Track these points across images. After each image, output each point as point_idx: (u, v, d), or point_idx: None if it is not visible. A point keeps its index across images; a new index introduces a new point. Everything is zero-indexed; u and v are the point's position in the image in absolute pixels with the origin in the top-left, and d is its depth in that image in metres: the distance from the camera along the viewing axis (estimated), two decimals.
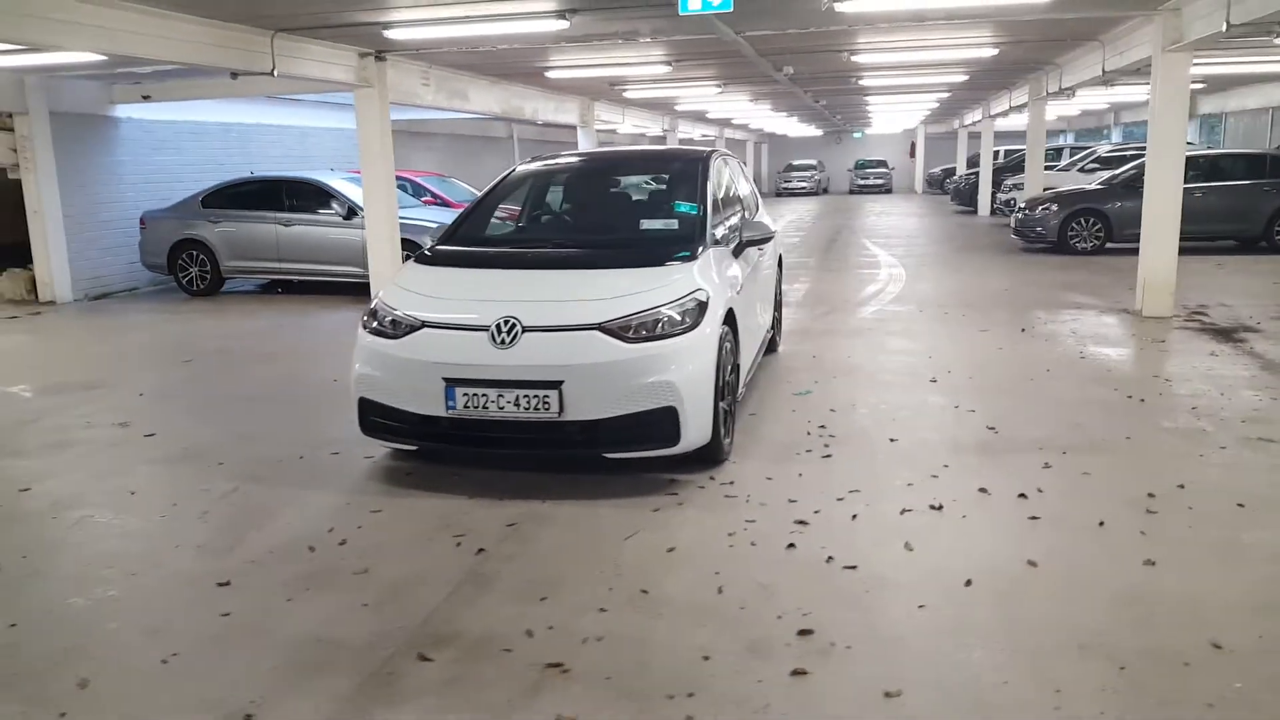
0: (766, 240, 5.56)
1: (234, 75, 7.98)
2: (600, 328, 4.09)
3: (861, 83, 15.06)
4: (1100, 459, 4.63)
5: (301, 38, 8.13)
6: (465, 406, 4.11)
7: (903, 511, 3.98)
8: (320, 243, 10.74)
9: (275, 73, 7.90)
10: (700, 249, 4.71)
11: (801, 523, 3.87)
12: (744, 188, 6.44)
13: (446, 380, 4.12)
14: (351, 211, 10.54)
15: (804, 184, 35.90)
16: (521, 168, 5.89)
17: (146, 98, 11.63)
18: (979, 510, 4.02)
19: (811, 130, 33.86)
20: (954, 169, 29.76)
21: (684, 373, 4.12)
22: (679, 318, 4.21)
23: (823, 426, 5.23)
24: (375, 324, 4.45)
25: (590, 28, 7.81)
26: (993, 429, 5.14)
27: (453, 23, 7.40)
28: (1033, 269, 11.97)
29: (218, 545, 3.86)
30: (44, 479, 4.76)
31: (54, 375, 7.23)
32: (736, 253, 5.18)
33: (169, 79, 11.21)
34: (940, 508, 4.02)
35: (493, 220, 5.59)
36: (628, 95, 15.32)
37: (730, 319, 4.62)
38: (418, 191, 13.06)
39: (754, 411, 5.55)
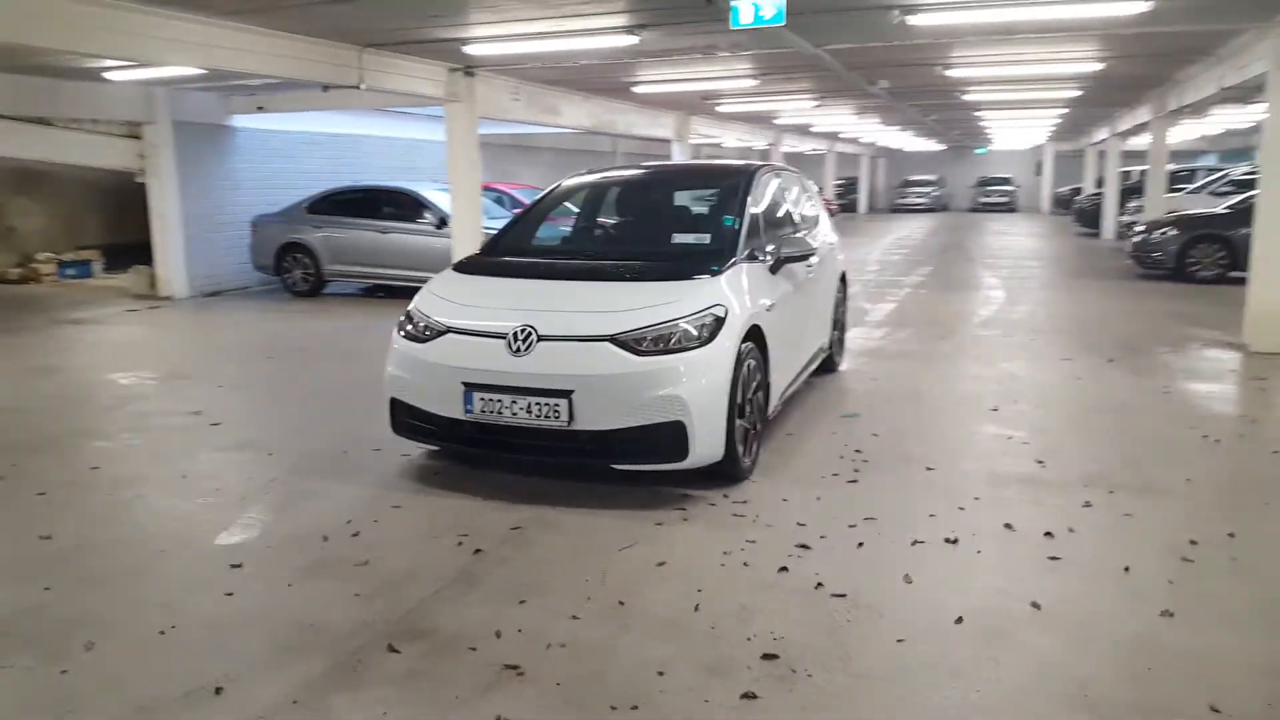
0: (804, 257, 5.46)
1: (324, 88, 8.43)
2: (613, 339, 4.12)
3: (966, 98, 14.60)
4: (1149, 501, 4.33)
5: (389, 53, 8.52)
6: (482, 411, 4.22)
7: (914, 543, 3.83)
8: (413, 249, 11.17)
9: (362, 86, 8.31)
10: (729, 264, 4.69)
11: (803, 546, 3.78)
12: (802, 204, 6.36)
13: (465, 385, 4.23)
14: (443, 221, 10.94)
15: (921, 200, 34.97)
16: (568, 181, 6.00)
17: (260, 108, 12.41)
18: (997, 546, 3.83)
19: (931, 145, 32.98)
20: (1081, 188, 28.39)
21: (693, 387, 4.10)
22: (695, 332, 4.19)
23: (858, 451, 5.09)
24: (408, 328, 4.61)
25: (663, 43, 7.89)
26: (1041, 463, 4.88)
27: (527, 39, 7.62)
28: (1142, 296, 11.29)
29: (242, 530, 4.08)
30: (114, 459, 5.15)
31: (153, 365, 7.79)
32: (775, 269, 5.13)
33: (280, 91, 11.93)
34: (955, 541, 3.85)
35: (537, 232, 5.70)
36: (721, 110, 15.33)
37: (757, 335, 4.58)
38: (513, 204, 13.43)
39: (792, 431, 5.46)
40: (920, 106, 16.91)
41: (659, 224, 5.59)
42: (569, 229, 5.99)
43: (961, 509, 4.22)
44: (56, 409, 6.32)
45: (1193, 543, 3.81)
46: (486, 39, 7.81)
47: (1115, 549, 3.77)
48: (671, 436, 4.10)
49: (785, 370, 5.27)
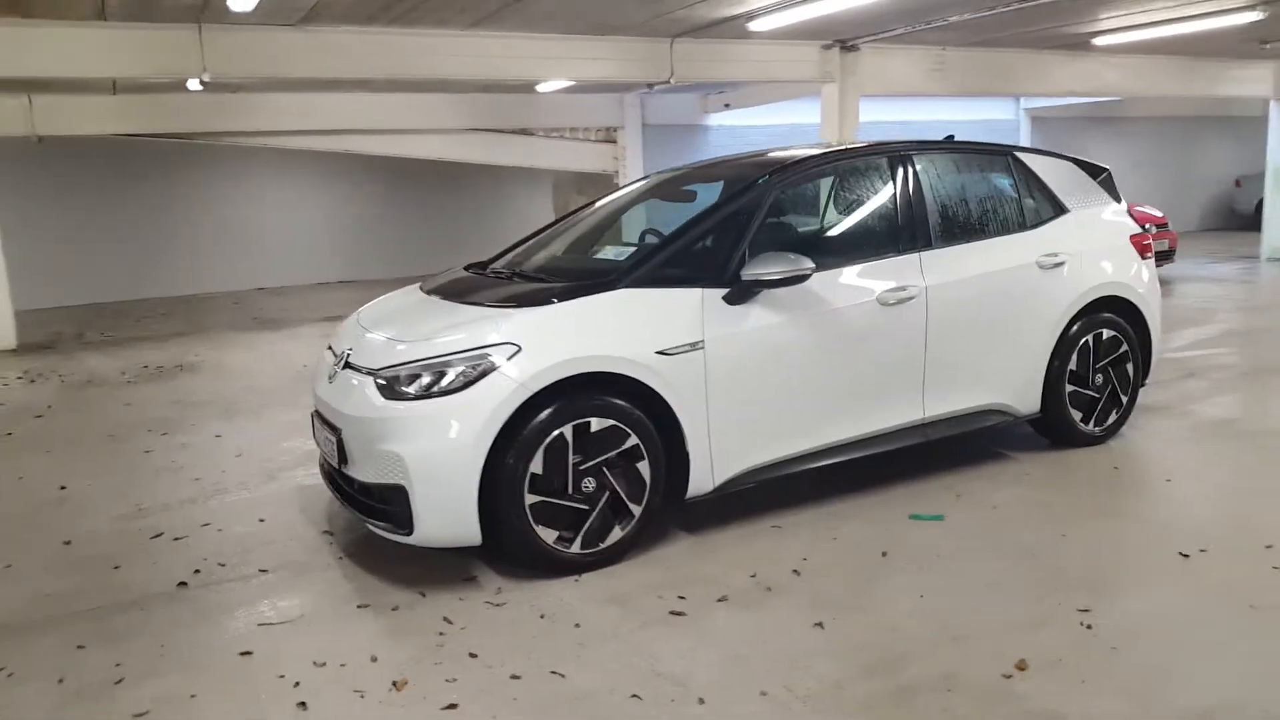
0: (792, 280, 3.59)
1: (650, 87, 8.37)
2: (374, 374, 3.41)
3: None
4: None
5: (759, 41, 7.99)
6: (314, 438, 3.91)
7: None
8: None
9: (673, 80, 8.02)
10: (601, 288, 3.47)
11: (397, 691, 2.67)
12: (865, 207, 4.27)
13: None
14: None
15: None
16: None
17: (727, 106, 12.76)
18: None
19: None
20: None
21: (420, 446, 3.16)
22: (450, 376, 3.22)
23: (796, 571, 3.28)
24: None
25: None
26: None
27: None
28: None
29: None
30: None
31: None
32: (736, 299, 3.58)
33: (742, 88, 12.09)
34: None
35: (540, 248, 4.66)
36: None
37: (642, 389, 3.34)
38: None
39: (778, 525, 3.76)
40: None
41: (616, 234, 4.35)
42: (554, 247, 4.63)
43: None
44: None
45: None
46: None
47: None
48: (397, 503, 3.24)
49: (748, 436, 3.66)
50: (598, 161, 12.84)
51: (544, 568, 3.37)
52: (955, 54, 9.25)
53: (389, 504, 3.29)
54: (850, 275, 3.95)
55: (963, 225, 4.29)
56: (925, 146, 4.42)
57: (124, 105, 9.75)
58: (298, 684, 2.74)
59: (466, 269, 4.36)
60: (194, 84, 8.81)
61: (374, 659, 2.87)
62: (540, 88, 10.32)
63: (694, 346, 3.51)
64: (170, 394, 6.86)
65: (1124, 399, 4.71)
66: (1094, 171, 4.84)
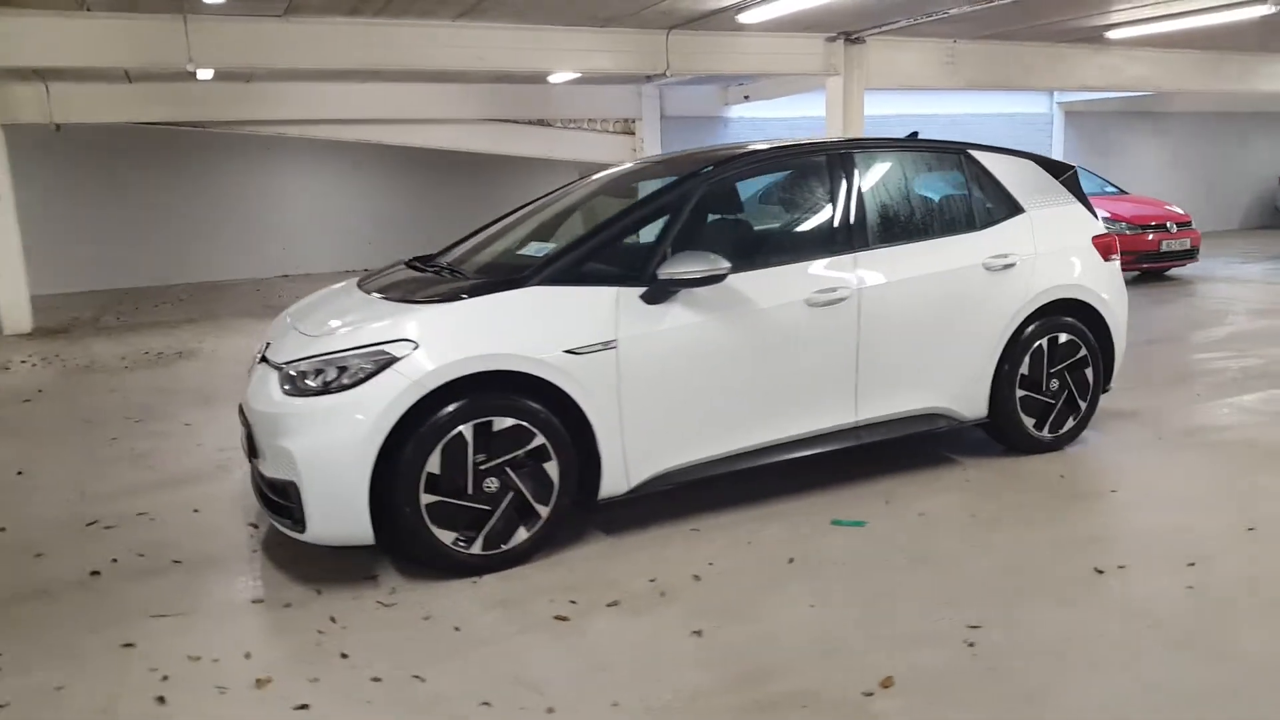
0: (707, 280, 3.52)
1: (649, 79, 8.30)
2: (280, 369, 3.43)
3: None
4: None
5: (716, 32, 7.89)
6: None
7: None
8: None
9: (668, 73, 7.93)
10: (511, 285, 3.45)
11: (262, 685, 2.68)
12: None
13: None
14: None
15: None
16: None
17: (747, 98, 12.62)
18: None
19: None
20: None
21: (310, 442, 3.17)
22: (351, 372, 3.22)
23: (697, 576, 3.22)
24: None
25: None
26: None
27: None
28: None
29: None
30: None
31: None
32: (653, 298, 3.52)
33: (760, 80, 11.94)
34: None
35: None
36: None
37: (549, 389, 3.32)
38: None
39: (696, 528, 3.69)
40: None
41: (545, 233, 4.30)
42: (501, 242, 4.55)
43: None
44: None
45: None
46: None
47: None
48: (290, 499, 3.26)
49: (665, 438, 3.60)
50: (615, 153, 12.79)
51: (444, 568, 3.36)
52: (967, 47, 8.99)
53: (287, 499, 3.30)
54: (778, 276, 3.86)
55: (904, 226, 4.17)
56: (869, 145, 4.31)
57: (141, 93, 9.96)
58: (166, 678, 2.76)
59: (407, 264, 4.36)
60: (205, 74, 8.96)
61: (248, 655, 2.88)
62: (551, 79, 10.30)
63: (606, 346, 3.46)
64: (159, 381, 7.00)
65: (1082, 405, 4.55)
66: (1057, 170, 4.66)
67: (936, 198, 4.29)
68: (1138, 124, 16.31)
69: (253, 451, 3.52)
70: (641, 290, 3.55)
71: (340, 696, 2.64)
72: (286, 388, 3.32)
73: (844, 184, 4.06)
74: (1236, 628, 2.85)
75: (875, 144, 4.32)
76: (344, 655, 2.86)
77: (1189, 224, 10.19)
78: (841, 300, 3.88)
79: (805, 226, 4.13)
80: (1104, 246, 4.59)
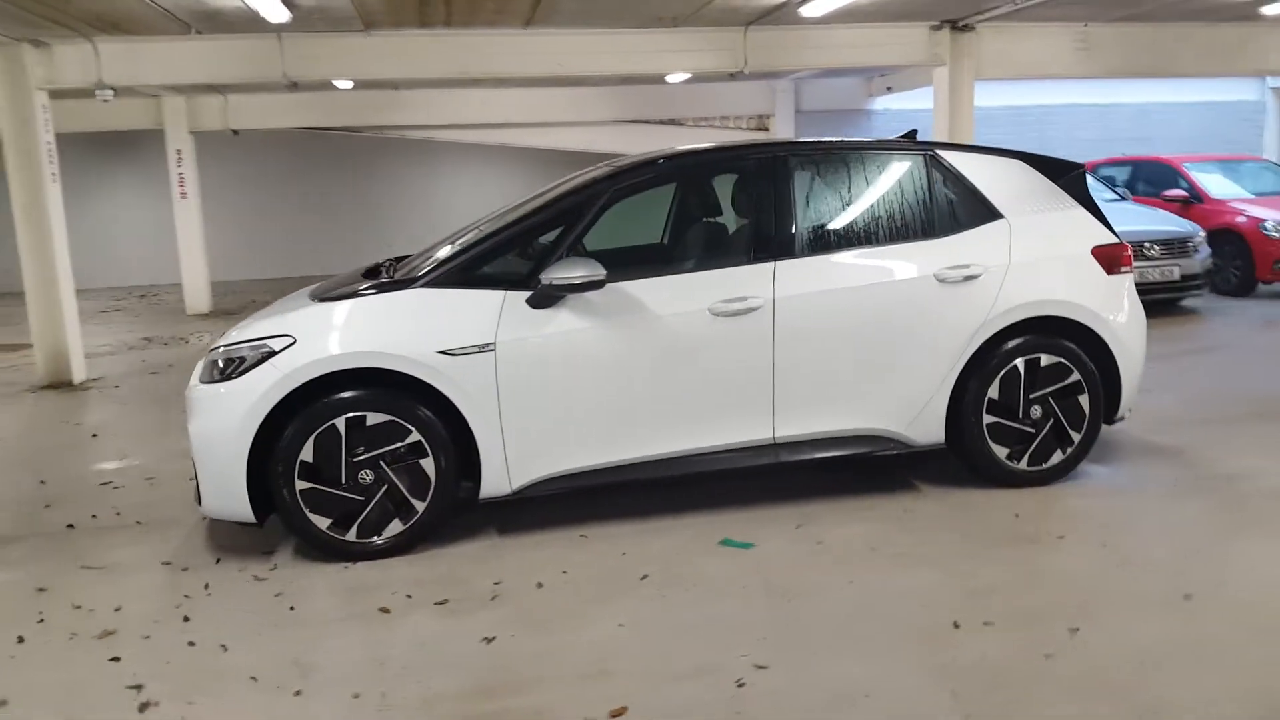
0: (587, 286, 3.49)
1: (732, 76, 8.13)
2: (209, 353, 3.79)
3: None
4: None
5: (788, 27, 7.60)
6: None
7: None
8: None
9: (746, 70, 7.73)
10: (399, 287, 3.62)
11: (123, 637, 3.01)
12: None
13: None
14: None
15: None
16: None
17: (889, 89, 12.00)
18: None
19: None
20: None
21: (199, 425, 3.51)
22: (242, 362, 3.50)
23: (541, 584, 3.21)
24: None
25: None
26: None
27: None
28: None
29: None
30: None
31: None
32: (538, 302, 3.55)
33: (903, 71, 11.35)
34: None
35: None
36: None
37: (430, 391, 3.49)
38: (1160, 182, 9.80)
39: (586, 534, 3.66)
40: None
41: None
42: None
43: None
44: None
45: None
46: None
47: None
48: (195, 476, 3.61)
49: (550, 442, 3.61)
50: None
51: (325, 551, 3.59)
52: (1101, 30, 8.02)
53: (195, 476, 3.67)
54: (679, 283, 3.76)
55: (841, 234, 3.90)
56: (811, 147, 4.06)
57: (302, 101, 11.10)
58: (42, 620, 3.19)
59: (370, 266, 4.64)
60: (344, 84, 9.83)
61: (118, 609, 3.25)
62: (669, 79, 10.33)
63: (483, 348, 3.54)
64: None
65: (1075, 436, 4.03)
66: (1056, 171, 4.14)
67: (887, 204, 3.95)
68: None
69: None
70: (528, 295, 3.59)
71: (151, 656, 2.93)
72: (202, 374, 3.68)
73: (771, 189, 3.86)
74: (1040, 706, 2.47)
75: (819, 146, 4.06)
76: (186, 619, 3.16)
77: None
78: (752, 310, 3.70)
79: (719, 233, 3.97)
80: (1108, 257, 4.03)
